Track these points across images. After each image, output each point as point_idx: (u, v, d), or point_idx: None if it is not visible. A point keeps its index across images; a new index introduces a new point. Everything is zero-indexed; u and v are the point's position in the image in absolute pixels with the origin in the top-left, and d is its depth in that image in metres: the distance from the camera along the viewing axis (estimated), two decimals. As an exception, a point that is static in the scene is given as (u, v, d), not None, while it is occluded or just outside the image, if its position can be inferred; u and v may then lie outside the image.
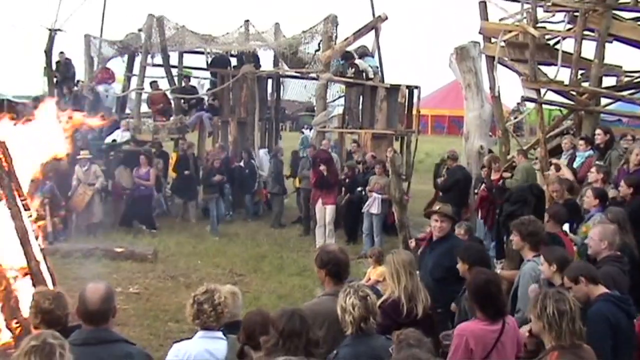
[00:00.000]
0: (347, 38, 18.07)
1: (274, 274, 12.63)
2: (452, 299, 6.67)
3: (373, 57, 18.60)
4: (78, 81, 21.34)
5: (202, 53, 21.28)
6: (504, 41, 14.66)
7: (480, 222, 13.46)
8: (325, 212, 14.66)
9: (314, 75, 18.95)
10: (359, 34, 18.15)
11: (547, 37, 14.72)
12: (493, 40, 14.95)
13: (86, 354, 4.14)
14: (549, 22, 15.31)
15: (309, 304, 5.47)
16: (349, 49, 18.12)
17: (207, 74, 22.18)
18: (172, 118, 19.54)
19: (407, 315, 5.55)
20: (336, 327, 4.71)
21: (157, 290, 11.42)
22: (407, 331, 4.23)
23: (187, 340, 5.21)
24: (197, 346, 5.01)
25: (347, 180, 15.40)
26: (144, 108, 21.20)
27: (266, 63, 21.02)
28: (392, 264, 5.74)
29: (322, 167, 14.57)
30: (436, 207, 7.93)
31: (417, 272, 6.19)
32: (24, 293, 8.89)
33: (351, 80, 17.88)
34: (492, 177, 13.12)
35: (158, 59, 20.26)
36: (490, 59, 14.83)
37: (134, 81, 20.84)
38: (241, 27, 20.92)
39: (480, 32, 15.21)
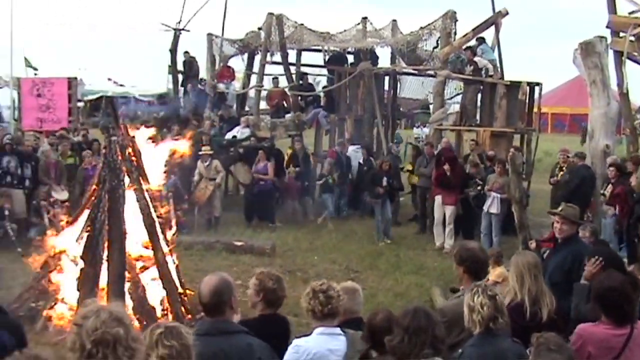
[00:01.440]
0: (466, 34, 17.76)
1: (390, 272, 12.59)
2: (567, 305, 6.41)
3: (492, 49, 18.13)
4: (201, 79, 22.05)
5: (320, 51, 21.49)
6: (634, 35, 14.01)
7: (606, 223, 12.93)
8: (444, 211, 14.47)
9: (431, 72, 18.76)
10: (478, 29, 17.81)
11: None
12: (622, 34, 14.32)
13: (208, 344, 4.23)
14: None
15: (449, 304, 5.42)
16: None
17: (324, 71, 22.40)
18: (289, 115, 19.85)
19: (531, 319, 5.38)
20: None
21: (275, 284, 11.58)
22: (548, 335, 4.09)
23: (306, 336, 5.23)
24: (316, 343, 5.01)
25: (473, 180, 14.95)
26: (263, 105, 21.64)
27: (383, 60, 21.04)
28: (516, 265, 5.58)
29: (446, 167, 14.37)
30: (559, 208, 7.64)
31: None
32: (151, 282, 9.33)
33: (470, 77, 17.56)
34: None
35: (277, 57, 20.60)
36: (619, 54, 14.23)
37: (254, 79, 21.30)
38: (358, 24, 20.96)
39: (607, 26, 14.61)
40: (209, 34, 21.73)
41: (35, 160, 14.93)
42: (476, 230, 14.61)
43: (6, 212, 13.57)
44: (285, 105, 20.48)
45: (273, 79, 20.90)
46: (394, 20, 21.10)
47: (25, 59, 30.12)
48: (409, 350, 3.75)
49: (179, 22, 21.77)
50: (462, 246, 5.55)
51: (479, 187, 14.53)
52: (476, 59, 17.40)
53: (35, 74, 28.56)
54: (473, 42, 17.86)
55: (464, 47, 17.59)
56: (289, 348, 5.09)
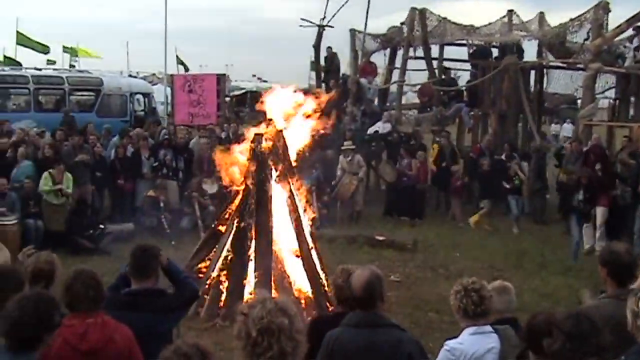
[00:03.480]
0: (620, 25, 16.88)
1: (536, 272, 12.18)
2: None
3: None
4: (343, 74, 22.26)
5: (464, 45, 21.14)
6: None
7: None
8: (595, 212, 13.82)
9: (581, 65, 17.98)
10: (633, 20, 16.86)
11: None
12: None
13: (358, 336, 4.29)
14: None
15: (584, 307, 5.18)
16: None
17: (465, 65, 22.01)
18: (432, 110, 19.68)
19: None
20: (617, 334, 4.40)
21: (417, 280, 11.56)
22: None
23: (456, 338, 5.13)
24: (470, 343, 4.91)
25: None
26: (405, 100, 21.57)
27: (529, 54, 20.39)
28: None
29: (598, 167, 13.68)
30: None
31: None
32: (296, 273, 9.54)
33: (624, 70, 16.68)
34: None
35: (419, 52, 20.46)
36: None
37: (396, 74, 21.26)
38: (504, 17, 20.44)
39: None
40: (352, 30, 21.90)
41: (188, 153, 15.66)
42: (627, 231, 13.84)
43: (161, 204, 14.33)
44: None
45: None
46: (541, 13, 20.38)
47: (177, 57, 31.65)
48: (570, 357, 3.60)
49: (323, 19, 22.08)
50: (607, 247, 5.29)
51: (629, 188, 13.75)
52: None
53: (186, 71, 29.98)
54: (629, 33, 16.96)
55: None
56: (442, 351, 5.02)
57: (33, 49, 29.34)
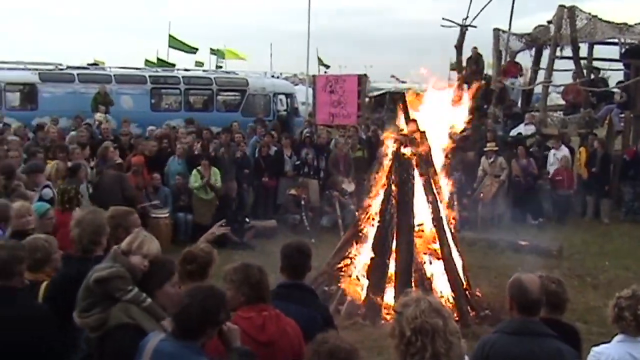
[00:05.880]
0: None
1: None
2: None
3: None
4: (486, 75, 21.82)
5: (615, 44, 20.15)
6: None
7: None
8: None
9: None
10: None
11: None
12: None
13: (517, 343, 4.19)
14: None
15: None
16: None
17: (614, 65, 20.96)
18: (579, 112, 18.91)
19: None
20: None
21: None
22: None
23: (606, 344, 4.95)
24: (618, 350, 4.74)
25: None
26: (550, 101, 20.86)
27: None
28: None
29: None
30: None
31: None
32: (437, 276, 9.46)
33: None
34: None
35: (567, 51, 19.73)
36: None
37: (541, 74, 20.60)
38: (661, 13, 19.34)
39: None
40: (496, 29, 21.44)
41: (328, 153, 15.90)
42: None
43: (302, 202, 14.63)
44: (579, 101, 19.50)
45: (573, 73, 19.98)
46: None
47: (319, 58, 32.21)
48: None
49: (465, 18, 21.72)
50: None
51: None
52: None
53: (326, 72, 30.44)
54: None
55: None
56: (589, 356, 4.86)
57: (183, 50, 30.80)
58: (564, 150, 16.89)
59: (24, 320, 4.49)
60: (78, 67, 23.43)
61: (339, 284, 9.62)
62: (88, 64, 26.01)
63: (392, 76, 43.16)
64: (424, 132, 9.67)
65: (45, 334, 4.55)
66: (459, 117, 10.00)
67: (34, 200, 8.13)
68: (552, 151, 16.82)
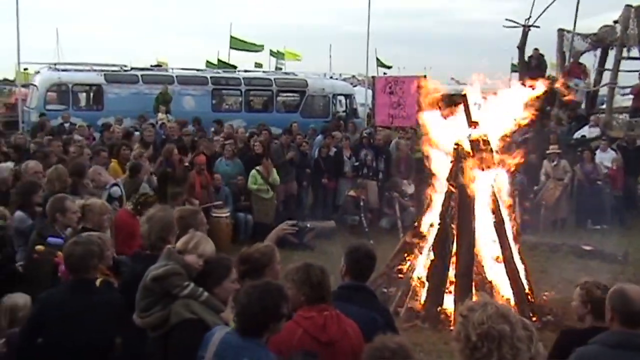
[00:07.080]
0: None
1: None
2: None
3: None
4: (549, 76, 21.41)
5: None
6: None
7: None
8: None
9: None
10: None
11: None
12: None
13: (620, 358, 4.04)
14: None
15: None
16: None
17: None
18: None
19: None
20: None
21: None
22: None
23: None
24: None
25: None
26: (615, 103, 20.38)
27: None
28: None
29: None
30: None
31: None
32: (499, 280, 9.35)
33: None
34: None
35: (634, 52, 19.27)
36: None
37: (606, 75, 20.15)
38: None
39: None
40: (560, 30, 21.09)
41: (387, 154, 15.86)
42: None
43: (361, 203, 14.62)
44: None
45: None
46: None
47: (378, 59, 32.09)
48: None
49: (528, 19, 21.37)
50: None
51: None
52: None
53: (385, 73, 30.31)
54: None
55: None
56: None
57: (247, 50, 31.02)
58: (611, 153, 16.42)
59: (103, 308, 4.86)
60: (142, 69, 23.93)
61: (398, 287, 9.59)
62: (151, 65, 26.54)
63: (452, 78, 42.71)
64: (486, 135, 9.57)
65: (122, 324, 4.80)
66: (521, 119, 9.85)
67: (102, 199, 8.32)
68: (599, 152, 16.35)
